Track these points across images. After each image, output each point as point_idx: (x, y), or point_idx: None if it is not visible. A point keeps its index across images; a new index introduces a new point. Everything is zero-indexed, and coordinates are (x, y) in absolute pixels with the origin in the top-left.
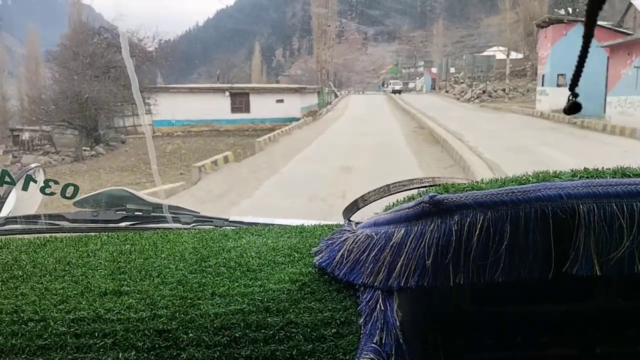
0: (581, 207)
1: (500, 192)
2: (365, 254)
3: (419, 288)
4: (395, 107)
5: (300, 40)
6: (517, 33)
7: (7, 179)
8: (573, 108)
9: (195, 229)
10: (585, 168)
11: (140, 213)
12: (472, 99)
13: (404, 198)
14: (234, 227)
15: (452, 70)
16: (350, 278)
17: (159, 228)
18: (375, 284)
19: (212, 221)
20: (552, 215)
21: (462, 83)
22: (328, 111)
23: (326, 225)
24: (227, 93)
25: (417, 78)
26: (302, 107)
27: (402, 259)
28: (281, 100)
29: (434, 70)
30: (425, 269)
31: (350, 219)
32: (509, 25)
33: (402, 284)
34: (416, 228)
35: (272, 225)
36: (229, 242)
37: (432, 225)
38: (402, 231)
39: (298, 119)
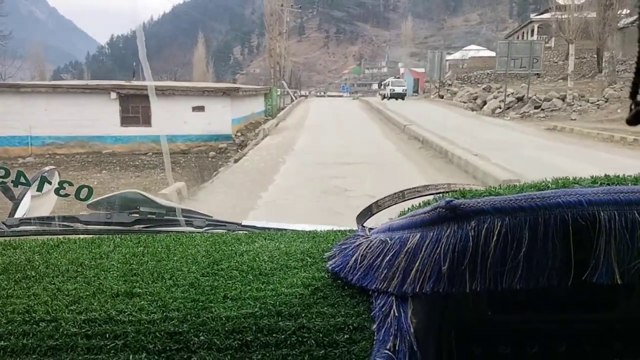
0: (602, 214)
1: (518, 198)
2: (379, 259)
3: (434, 294)
4: (385, 127)
5: (259, 38)
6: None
7: (22, 180)
8: (637, 117)
9: (208, 233)
10: (605, 174)
11: (154, 216)
12: (502, 110)
13: (419, 204)
14: (246, 232)
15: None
16: (364, 283)
17: (171, 231)
18: (389, 290)
19: (224, 225)
20: (572, 222)
21: (462, 85)
22: (263, 136)
23: (339, 230)
24: (115, 95)
25: (393, 78)
26: (236, 118)
27: (417, 264)
28: (200, 108)
29: (418, 70)
30: (441, 274)
31: (364, 224)
32: (474, 26)
33: (416, 290)
34: (432, 233)
35: (285, 230)
36: (242, 245)
37: (448, 231)
38: (418, 236)
39: (229, 138)
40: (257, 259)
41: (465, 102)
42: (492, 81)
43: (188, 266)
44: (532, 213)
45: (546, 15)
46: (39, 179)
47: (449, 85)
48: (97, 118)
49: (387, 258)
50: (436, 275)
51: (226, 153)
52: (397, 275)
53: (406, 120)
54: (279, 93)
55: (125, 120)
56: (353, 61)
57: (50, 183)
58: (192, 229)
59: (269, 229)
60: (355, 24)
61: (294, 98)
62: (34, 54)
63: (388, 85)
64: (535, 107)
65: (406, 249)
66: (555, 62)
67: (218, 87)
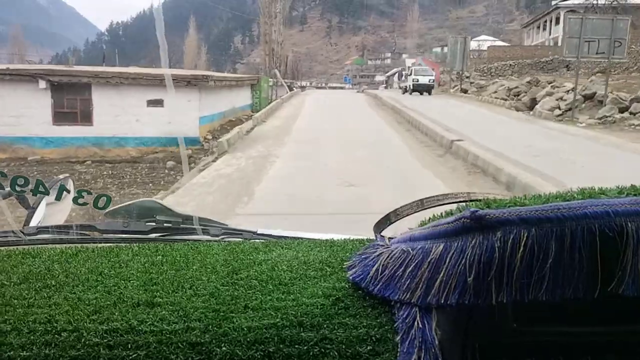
0: (629, 225)
1: (544, 209)
2: (401, 270)
3: (459, 306)
4: (414, 142)
5: (260, 27)
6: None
7: (41, 188)
8: None
9: (224, 241)
10: (632, 185)
11: (170, 224)
12: (562, 112)
13: (441, 213)
14: (262, 240)
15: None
16: (386, 294)
17: (188, 240)
18: (412, 301)
19: (240, 234)
20: (599, 233)
21: (482, 77)
22: (215, 156)
23: (357, 239)
24: (45, 83)
25: (403, 69)
26: (207, 115)
27: (441, 275)
28: (158, 102)
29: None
30: (466, 286)
31: (382, 234)
32: (480, 18)
33: (441, 301)
34: (456, 244)
35: (301, 239)
36: (259, 254)
37: (473, 242)
38: (441, 247)
39: (195, 141)
40: (275, 268)
41: (505, 100)
42: (516, 73)
43: (207, 275)
44: (559, 224)
45: (575, 1)
46: (57, 187)
47: (467, 77)
48: (22, 114)
49: (410, 268)
50: (461, 287)
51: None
52: (420, 286)
53: (446, 130)
54: (270, 83)
55: (59, 117)
56: (356, 52)
57: (68, 191)
58: (209, 237)
59: (285, 237)
60: (358, 14)
61: (291, 89)
62: (13, 37)
63: (410, 74)
64: (621, 110)
65: (429, 259)
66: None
67: (181, 75)
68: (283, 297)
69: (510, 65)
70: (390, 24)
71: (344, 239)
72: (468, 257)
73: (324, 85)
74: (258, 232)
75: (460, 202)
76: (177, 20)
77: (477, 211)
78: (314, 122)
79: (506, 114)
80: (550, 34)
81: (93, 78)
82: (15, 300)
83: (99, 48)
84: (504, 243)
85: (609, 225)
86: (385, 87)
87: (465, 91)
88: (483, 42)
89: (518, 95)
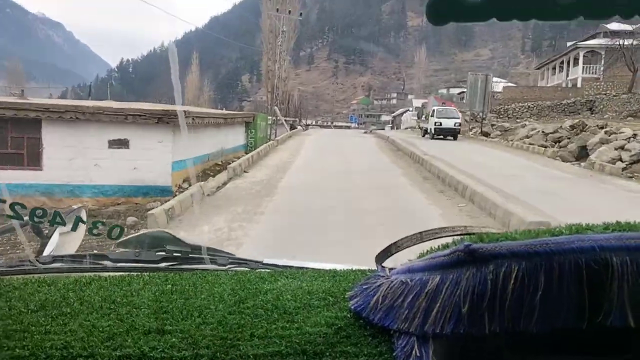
0: (614, 259)
1: (534, 243)
2: (400, 300)
3: (455, 335)
4: (449, 202)
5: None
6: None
7: (58, 219)
8: None
9: (231, 271)
10: (617, 221)
11: (179, 254)
12: (628, 165)
13: (439, 246)
14: (268, 270)
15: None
16: (386, 323)
17: (197, 269)
18: (410, 330)
19: (247, 263)
20: (586, 266)
21: (498, 119)
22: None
23: (359, 270)
24: None
25: (409, 109)
26: (184, 160)
27: (437, 305)
28: (122, 143)
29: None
30: (461, 316)
31: (383, 264)
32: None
33: (437, 331)
34: (452, 276)
35: (306, 268)
36: (265, 284)
37: (467, 274)
38: (438, 278)
39: (166, 191)
40: (280, 297)
41: (544, 147)
42: (534, 115)
43: (215, 304)
44: (547, 258)
45: (595, 41)
46: (73, 218)
47: (483, 119)
48: None
49: (409, 299)
50: (456, 317)
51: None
52: (418, 315)
53: (503, 197)
54: (270, 121)
55: (1, 159)
56: (362, 92)
57: (84, 222)
58: (216, 266)
59: (290, 267)
60: (365, 55)
61: (293, 127)
62: (12, 70)
63: (432, 115)
64: None
65: (427, 290)
66: (617, 96)
67: (151, 111)
68: (287, 325)
69: (529, 107)
70: (396, 65)
71: (347, 269)
72: (462, 288)
73: (329, 124)
74: (264, 261)
75: (457, 235)
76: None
77: (470, 245)
78: (310, 177)
79: (556, 166)
80: (567, 75)
81: (43, 112)
82: (33, 327)
83: (107, 84)
84: (496, 275)
85: (594, 259)
86: (392, 127)
87: (486, 134)
88: (495, 83)
89: (559, 142)
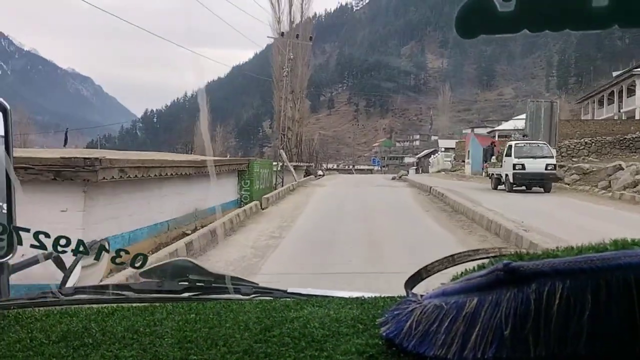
0: None
1: (578, 260)
2: (435, 325)
3: None
4: None
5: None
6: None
7: (81, 249)
8: None
9: (256, 300)
10: None
11: (202, 284)
12: None
13: (474, 267)
14: (293, 299)
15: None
16: (421, 350)
17: (220, 298)
18: (448, 356)
19: (271, 292)
20: (636, 284)
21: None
22: None
23: (388, 297)
24: None
25: (438, 152)
26: (118, 234)
27: (477, 329)
28: None
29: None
30: (503, 339)
31: (413, 290)
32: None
33: (478, 356)
34: (490, 297)
35: (331, 297)
36: (291, 312)
37: (508, 294)
38: (475, 301)
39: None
40: (307, 325)
41: None
42: (593, 153)
43: (240, 333)
44: (593, 275)
45: None
46: (97, 247)
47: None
48: None
49: (445, 324)
50: (498, 340)
51: None
52: (456, 341)
53: None
54: (278, 167)
55: None
56: (383, 134)
57: (108, 251)
58: (240, 296)
59: (315, 296)
60: (385, 98)
61: (298, 176)
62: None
63: (509, 154)
64: None
65: (464, 313)
66: None
67: (50, 160)
68: (316, 354)
69: (586, 143)
70: (417, 107)
71: (375, 296)
72: (504, 309)
73: (350, 167)
74: (288, 290)
75: (492, 257)
76: (210, 106)
77: (510, 263)
78: None
79: None
80: (620, 107)
81: None
82: (54, 359)
83: (132, 134)
84: (540, 295)
85: None
86: (417, 170)
87: (556, 179)
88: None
89: None
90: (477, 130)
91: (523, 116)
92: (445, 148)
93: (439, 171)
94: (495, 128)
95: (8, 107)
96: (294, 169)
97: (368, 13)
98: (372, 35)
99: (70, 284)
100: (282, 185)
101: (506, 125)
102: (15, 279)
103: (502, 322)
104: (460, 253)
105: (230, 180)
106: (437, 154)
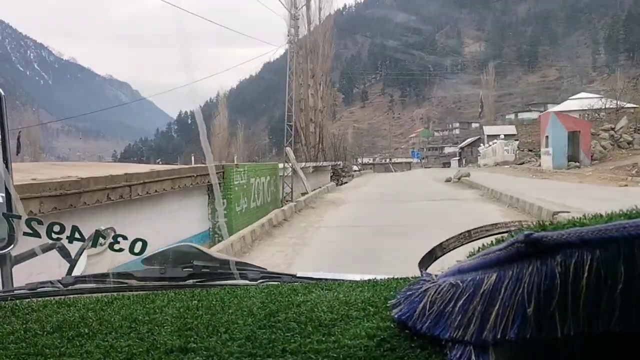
0: None
1: (609, 228)
2: (451, 305)
3: (519, 341)
4: None
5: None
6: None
7: (77, 235)
8: None
9: (262, 285)
10: None
11: (207, 270)
12: None
13: (491, 242)
14: (302, 283)
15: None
16: (435, 332)
17: (226, 284)
18: (465, 338)
19: (279, 277)
20: None
21: None
22: None
23: (401, 278)
24: None
25: (497, 139)
26: None
27: (496, 308)
28: None
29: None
30: (526, 318)
31: (427, 270)
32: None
33: (498, 337)
34: (510, 272)
35: (343, 280)
36: (298, 296)
37: (530, 268)
38: (494, 277)
39: None
40: (315, 309)
41: None
42: None
43: (244, 319)
44: (627, 244)
45: None
46: (93, 234)
47: (629, 142)
48: None
49: (460, 303)
50: (520, 319)
51: None
52: (473, 321)
53: None
54: (288, 171)
55: None
56: (420, 124)
57: (104, 238)
58: (247, 281)
59: (325, 279)
60: (421, 86)
61: (307, 184)
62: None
63: None
64: None
65: (481, 291)
66: None
67: None
68: (323, 339)
69: None
70: (456, 94)
71: (388, 278)
72: (526, 285)
73: (387, 161)
74: (297, 275)
75: (512, 231)
76: (242, 106)
77: (531, 234)
78: None
79: None
80: None
81: None
82: (47, 350)
83: (168, 137)
84: (566, 268)
85: None
86: (460, 163)
87: None
88: (596, 100)
89: None
90: (521, 115)
91: (581, 94)
92: (504, 135)
93: (496, 164)
94: (553, 109)
95: (2, 93)
96: (316, 170)
97: (399, 0)
98: (405, 22)
99: (75, 273)
100: (292, 198)
101: (570, 104)
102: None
103: (525, 299)
104: (477, 228)
105: (197, 200)
106: (493, 142)
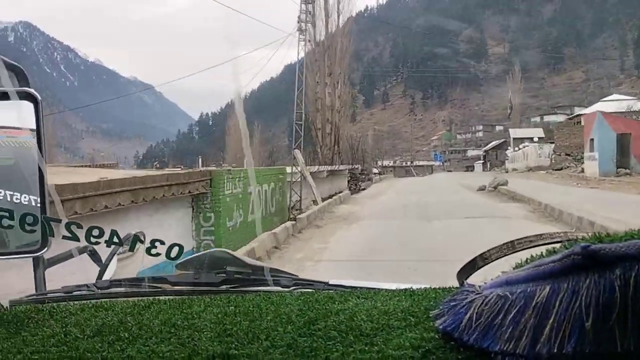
0: None
1: None
2: (500, 317)
3: (576, 355)
4: None
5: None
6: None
7: (115, 239)
8: None
9: (297, 292)
10: None
11: (240, 276)
12: None
13: (542, 253)
14: (336, 291)
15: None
16: (484, 344)
17: (259, 291)
18: (517, 351)
19: (312, 284)
20: None
21: None
22: None
23: (440, 288)
24: None
25: (528, 142)
26: None
27: (550, 321)
28: None
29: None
30: (584, 332)
31: (467, 281)
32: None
33: (554, 350)
34: (565, 285)
35: (377, 289)
36: (335, 304)
37: (587, 281)
38: (547, 289)
39: None
40: (354, 318)
41: None
42: None
43: (283, 326)
44: None
45: None
46: (131, 238)
47: None
48: None
49: (511, 315)
50: (578, 333)
51: None
52: (525, 334)
53: None
54: (297, 177)
55: None
56: (442, 126)
57: (142, 242)
58: (280, 288)
59: (359, 288)
60: (443, 88)
61: (316, 192)
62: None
63: None
64: None
65: (534, 303)
66: None
67: None
68: (366, 349)
69: None
70: (479, 96)
71: (425, 287)
72: (583, 298)
73: (408, 164)
74: (330, 282)
75: (557, 242)
76: (262, 106)
77: (588, 246)
78: None
79: None
80: None
81: None
82: (89, 354)
83: (189, 138)
84: (626, 282)
85: None
86: (484, 167)
87: None
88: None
89: None
90: (546, 118)
91: (613, 96)
92: (538, 137)
93: (529, 169)
94: (582, 112)
95: (39, 98)
96: (332, 174)
97: (422, 1)
98: (427, 23)
99: (106, 277)
100: (301, 208)
101: (599, 107)
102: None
103: (582, 313)
104: (521, 238)
105: (175, 215)
106: (524, 146)
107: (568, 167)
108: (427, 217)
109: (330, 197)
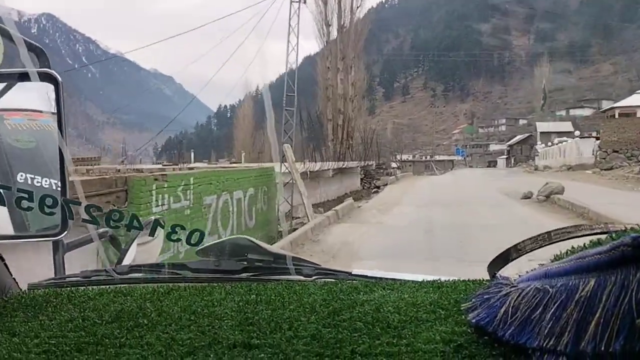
0: None
1: None
2: (538, 312)
3: (626, 353)
4: None
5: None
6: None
7: (135, 223)
8: None
9: (320, 281)
10: None
11: (261, 264)
12: None
13: (584, 244)
14: (360, 281)
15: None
16: (520, 340)
17: (281, 279)
18: (558, 348)
19: (334, 274)
20: None
21: None
22: None
23: (470, 280)
24: None
25: (566, 137)
26: None
27: (596, 316)
28: None
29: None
30: (634, 329)
31: (499, 273)
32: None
33: (600, 348)
34: (614, 278)
35: (403, 280)
36: (360, 295)
37: (638, 275)
38: (592, 282)
39: None
40: (381, 309)
41: None
42: None
43: (306, 316)
44: None
45: None
46: (151, 222)
47: None
48: None
49: (551, 310)
50: (628, 330)
51: None
52: (567, 330)
53: None
54: (285, 180)
55: None
56: (464, 120)
57: (163, 227)
58: (302, 277)
59: (383, 278)
60: (465, 81)
61: (307, 202)
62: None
63: None
64: None
65: (577, 298)
66: None
67: None
68: (394, 341)
69: None
70: (502, 89)
71: (454, 279)
72: (634, 293)
73: (428, 158)
74: (353, 272)
75: (597, 234)
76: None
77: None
78: None
79: None
80: None
81: None
82: (107, 340)
83: (208, 130)
84: None
85: None
86: (508, 162)
87: None
88: None
89: None
90: (572, 112)
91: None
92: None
93: (568, 167)
94: (616, 105)
95: (60, 79)
96: (340, 172)
97: None
98: (449, 15)
99: (126, 262)
100: (291, 220)
101: (634, 100)
102: None
103: (632, 308)
104: (558, 229)
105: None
106: (562, 140)
107: (621, 166)
108: (469, 261)
109: (340, 199)
